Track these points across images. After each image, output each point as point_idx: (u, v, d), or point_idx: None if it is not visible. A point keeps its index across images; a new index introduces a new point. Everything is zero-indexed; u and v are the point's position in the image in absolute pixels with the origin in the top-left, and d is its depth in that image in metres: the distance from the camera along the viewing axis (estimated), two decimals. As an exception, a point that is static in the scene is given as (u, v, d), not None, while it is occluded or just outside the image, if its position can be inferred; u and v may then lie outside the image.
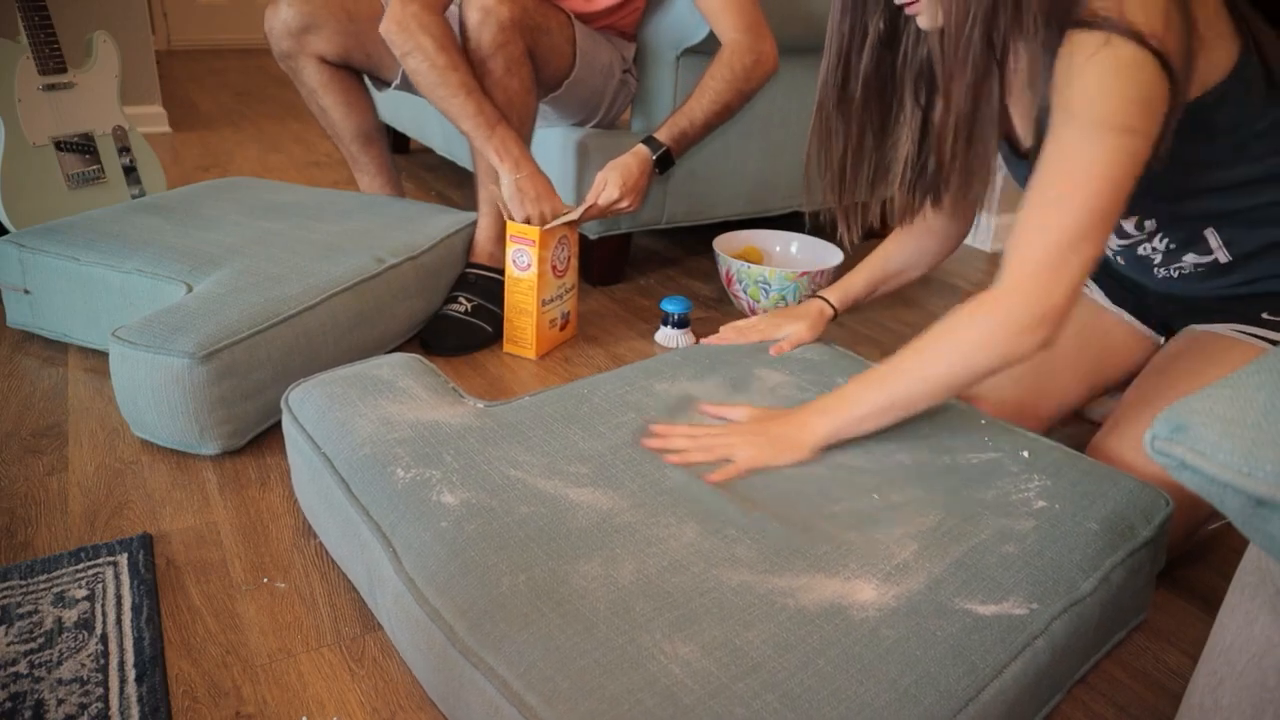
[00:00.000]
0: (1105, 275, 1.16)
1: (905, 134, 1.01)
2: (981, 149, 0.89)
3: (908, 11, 0.89)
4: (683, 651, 0.67)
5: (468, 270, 1.56)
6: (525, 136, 1.52)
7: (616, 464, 0.91)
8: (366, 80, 1.73)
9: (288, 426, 1.00)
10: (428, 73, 1.40)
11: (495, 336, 1.51)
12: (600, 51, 1.61)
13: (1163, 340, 1.14)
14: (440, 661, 0.71)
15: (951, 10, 0.82)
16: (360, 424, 0.94)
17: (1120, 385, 1.17)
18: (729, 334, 1.19)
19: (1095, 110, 0.79)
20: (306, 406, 0.99)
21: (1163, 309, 1.12)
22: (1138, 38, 0.77)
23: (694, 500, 0.86)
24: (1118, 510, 0.86)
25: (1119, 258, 1.09)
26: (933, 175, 1.03)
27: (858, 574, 0.77)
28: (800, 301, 1.28)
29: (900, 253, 1.21)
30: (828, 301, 1.22)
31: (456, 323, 1.48)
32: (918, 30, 0.96)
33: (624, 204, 1.47)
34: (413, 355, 1.10)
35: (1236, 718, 0.57)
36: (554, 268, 1.43)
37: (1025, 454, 0.94)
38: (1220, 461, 0.46)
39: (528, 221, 1.42)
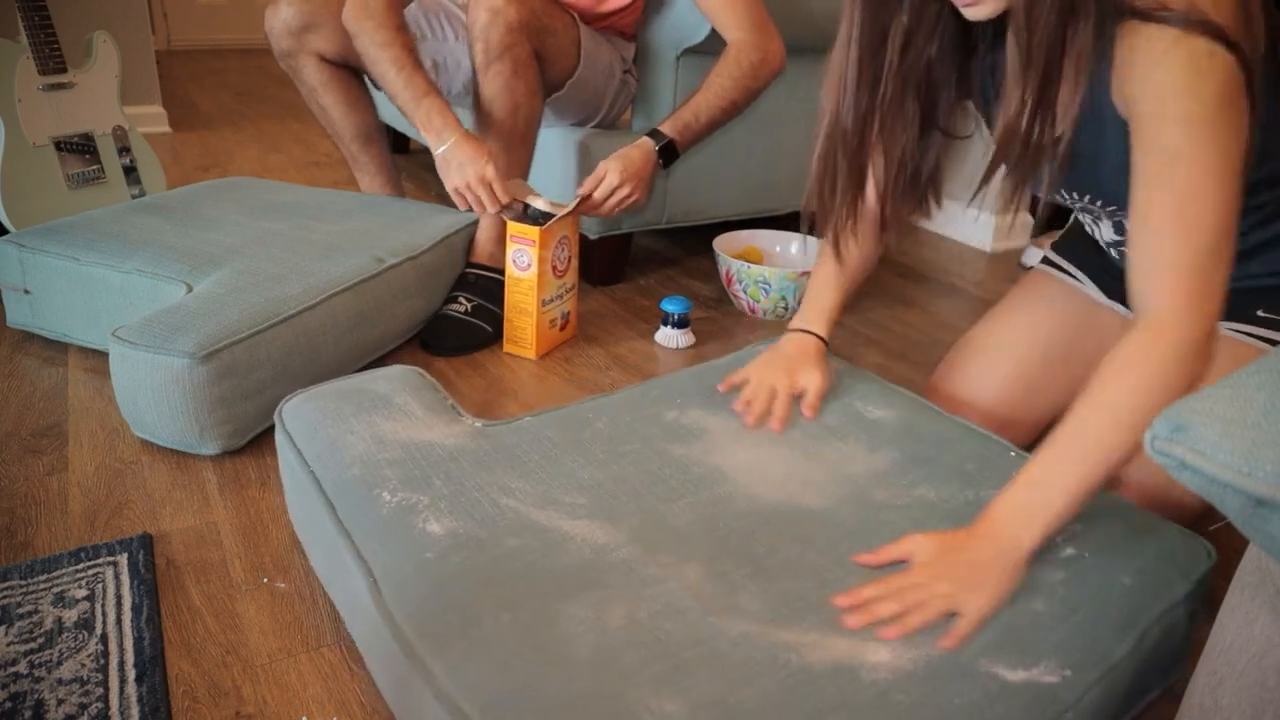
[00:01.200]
0: (1101, 270, 1.15)
1: (901, 136, 0.95)
2: (1047, 147, 0.82)
3: (961, 3, 0.82)
4: (670, 709, 0.63)
5: (468, 270, 1.56)
6: (530, 137, 1.51)
7: (618, 495, 0.87)
8: (366, 80, 1.73)
9: (280, 441, 0.97)
10: (368, 50, 1.42)
11: (495, 336, 1.51)
12: (602, 52, 1.61)
13: None
14: (415, 704, 0.68)
15: None
16: (351, 442, 0.92)
17: None
18: (748, 415, 1.02)
19: (1184, 114, 0.74)
20: (299, 421, 0.97)
21: None
22: (1213, 32, 0.72)
23: (700, 539, 0.81)
24: (1153, 562, 0.80)
25: (1113, 250, 1.09)
26: (927, 179, 1.00)
27: (871, 632, 0.71)
28: (790, 319, 1.14)
29: (854, 257, 1.10)
30: (815, 334, 1.10)
31: (456, 323, 1.48)
32: (931, 26, 0.90)
33: (626, 191, 1.45)
34: (413, 368, 1.09)
35: (1236, 718, 0.57)
36: (554, 268, 1.43)
37: None
38: (1220, 461, 0.46)
39: (459, 193, 1.39)
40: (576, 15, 1.57)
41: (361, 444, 0.92)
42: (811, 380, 1.05)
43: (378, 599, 0.74)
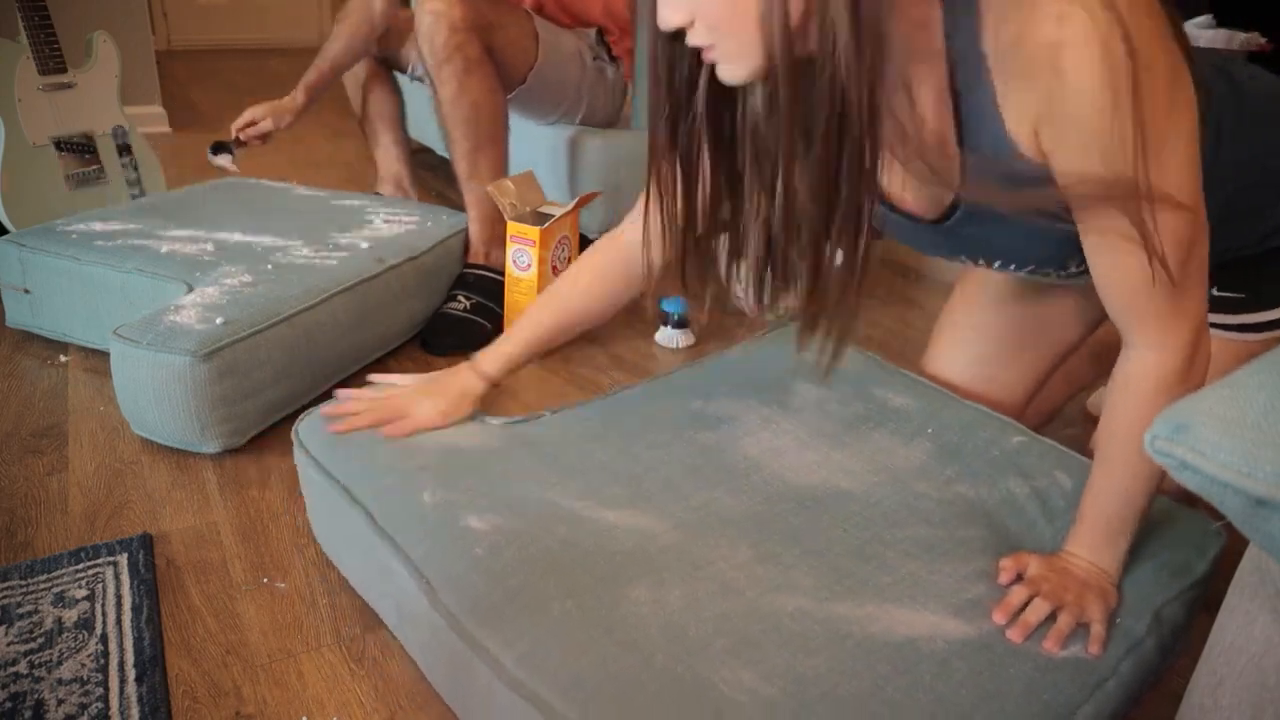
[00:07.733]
0: None
1: (756, 201, 0.80)
2: (844, 248, 0.72)
3: (704, 57, 0.68)
4: (745, 679, 0.65)
5: (466, 270, 1.56)
6: (498, 133, 1.51)
7: (655, 484, 0.88)
8: (395, 76, 1.84)
9: (300, 460, 0.96)
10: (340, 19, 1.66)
11: (495, 334, 1.50)
12: (563, 40, 1.61)
13: None
14: (487, 698, 0.68)
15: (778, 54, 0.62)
16: (377, 450, 0.92)
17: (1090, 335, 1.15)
18: (353, 405, 0.96)
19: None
20: (317, 437, 0.95)
21: None
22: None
23: (744, 523, 0.83)
24: (1173, 545, 0.85)
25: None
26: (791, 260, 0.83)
27: (926, 605, 0.75)
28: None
29: (582, 296, 1.00)
30: (484, 375, 1.00)
31: (456, 321, 1.48)
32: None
33: None
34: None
35: (1236, 718, 0.57)
36: (554, 268, 1.43)
37: (1069, 483, 0.91)
38: (1220, 461, 0.46)
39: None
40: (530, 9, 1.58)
41: (388, 451, 0.91)
42: (417, 414, 0.94)
43: (434, 600, 0.74)
